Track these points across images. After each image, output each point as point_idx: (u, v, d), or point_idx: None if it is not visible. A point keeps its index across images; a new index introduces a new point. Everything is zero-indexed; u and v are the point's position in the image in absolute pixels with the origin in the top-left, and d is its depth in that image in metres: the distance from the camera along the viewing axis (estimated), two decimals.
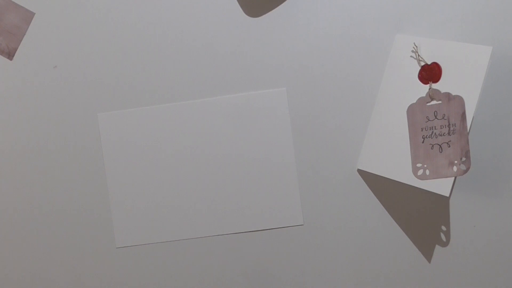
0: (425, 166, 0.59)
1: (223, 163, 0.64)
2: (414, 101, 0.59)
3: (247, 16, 0.62)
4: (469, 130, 0.58)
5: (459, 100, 0.58)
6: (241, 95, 0.62)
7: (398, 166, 0.60)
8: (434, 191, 0.58)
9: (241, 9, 0.62)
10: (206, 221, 0.64)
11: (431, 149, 0.59)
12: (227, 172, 0.64)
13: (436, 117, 0.59)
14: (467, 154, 0.58)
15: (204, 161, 0.63)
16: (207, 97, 0.62)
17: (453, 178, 0.58)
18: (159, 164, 0.63)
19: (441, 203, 0.65)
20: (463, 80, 0.58)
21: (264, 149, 0.64)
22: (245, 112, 0.62)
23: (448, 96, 0.58)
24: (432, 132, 0.59)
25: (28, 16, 0.60)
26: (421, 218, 0.65)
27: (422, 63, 0.60)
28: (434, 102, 0.59)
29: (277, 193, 0.64)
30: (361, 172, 0.64)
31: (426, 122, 0.59)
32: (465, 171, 0.58)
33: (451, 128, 0.58)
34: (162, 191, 0.64)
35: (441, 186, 0.58)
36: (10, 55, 0.60)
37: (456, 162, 0.58)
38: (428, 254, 0.65)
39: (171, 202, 0.64)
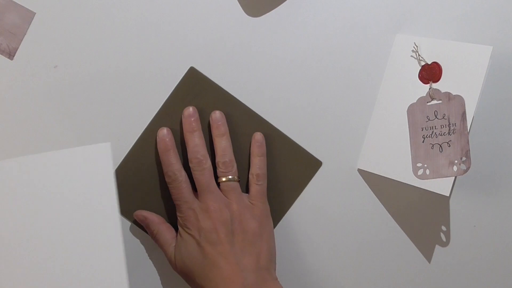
0: (425, 165, 0.59)
1: None
2: (414, 101, 0.60)
3: (247, 16, 0.62)
4: (469, 130, 0.58)
5: (459, 100, 0.58)
6: None
7: (398, 166, 0.60)
8: (434, 191, 0.58)
9: (241, 9, 0.62)
10: None
11: (431, 148, 0.59)
12: None
13: (436, 117, 0.59)
14: (467, 153, 0.58)
15: None
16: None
17: (453, 177, 0.58)
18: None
19: (441, 203, 0.65)
20: (463, 79, 0.58)
21: None
22: None
23: (448, 96, 0.58)
24: (432, 131, 0.59)
25: (28, 15, 0.60)
26: (421, 218, 0.65)
27: (422, 63, 0.60)
28: (434, 101, 0.59)
29: None
30: (361, 172, 0.64)
31: (426, 121, 0.59)
32: (465, 171, 0.58)
33: (451, 128, 0.58)
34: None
35: (441, 186, 0.58)
36: (10, 55, 0.60)
37: (456, 161, 0.58)
38: (428, 254, 0.65)
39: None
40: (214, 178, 0.59)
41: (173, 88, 0.61)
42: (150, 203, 0.62)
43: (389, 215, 0.65)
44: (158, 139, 0.60)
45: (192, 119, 0.60)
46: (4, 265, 0.51)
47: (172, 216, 0.62)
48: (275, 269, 0.59)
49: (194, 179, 0.59)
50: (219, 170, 0.59)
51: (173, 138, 0.60)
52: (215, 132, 0.60)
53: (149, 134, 0.62)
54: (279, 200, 0.63)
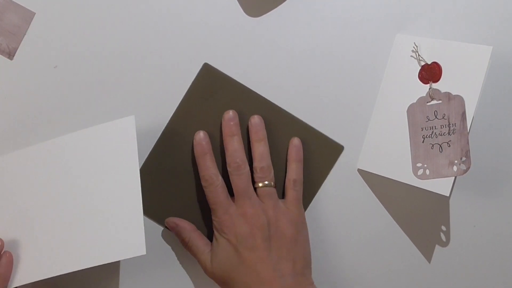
0: (425, 166, 0.59)
1: None
2: (414, 101, 0.60)
3: (247, 16, 0.62)
4: (469, 130, 0.58)
5: (459, 100, 0.58)
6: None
7: (398, 166, 0.60)
8: (434, 191, 0.58)
9: (241, 9, 0.62)
10: None
11: (431, 148, 0.59)
12: None
13: (436, 117, 0.59)
14: (467, 154, 0.58)
15: None
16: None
17: (453, 177, 0.58)
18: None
19: (441, 203, 0.65)
20: (463, 80, 0.58)
21: None
22: None
23: (448, 96, 0.58)
24: (432, 131, 0.59)
25: (28, 15, 0.60)
26: (421, 218, 0.65)
27: (422, 63, 0.60)
28: (434, 101, 0.59)
29: None
30: (361, 172, 0.64)
31: (426, 121, 0.59)
32: (465, 171, 0.58)
33: (451, 128, 0.58)
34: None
35: (441, 186, 0.58)
36: (10, 55, 0.60)
37: (456, 161, 0.58)
38: (428, 254, 0.65)
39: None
40: (251, 183, 0.60)
41: (186, 86, 0.61)
42: (173, 205, 0.62)
43: (389, 215, 0.65)
44: (195, 143, 0.60)
45: (232, 123, 0.60)
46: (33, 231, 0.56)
47: (195, 215, 0.62)
48: (311, 274, 0.60)
49: (232, 183, 0.59)
50: (256, 176, 0.60)
51: (210, 142, 0.60)
52: (253, 137, 0.60)
53: (169, 133, 0.62)
54: (305, 187, 0.63)
